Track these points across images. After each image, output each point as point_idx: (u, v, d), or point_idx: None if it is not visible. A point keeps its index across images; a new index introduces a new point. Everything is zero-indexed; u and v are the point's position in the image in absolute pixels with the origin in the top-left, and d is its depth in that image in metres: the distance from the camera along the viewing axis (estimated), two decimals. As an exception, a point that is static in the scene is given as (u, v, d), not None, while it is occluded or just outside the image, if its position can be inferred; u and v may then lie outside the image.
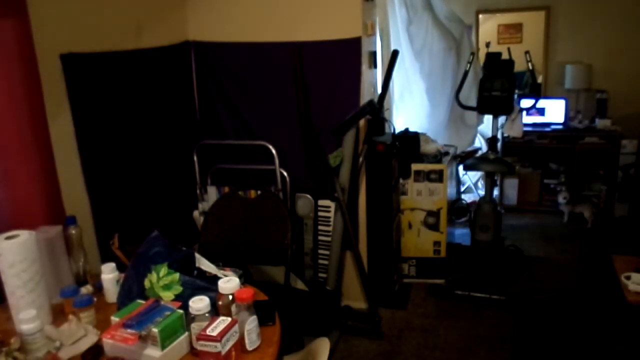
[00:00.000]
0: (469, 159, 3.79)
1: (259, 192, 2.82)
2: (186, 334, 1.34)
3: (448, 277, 3.51)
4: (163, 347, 1.27)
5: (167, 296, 1.41)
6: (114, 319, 1.36)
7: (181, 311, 1.35)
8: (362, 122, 2.85)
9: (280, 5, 2.84)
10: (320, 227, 2.99)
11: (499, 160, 3.25)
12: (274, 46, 2.87)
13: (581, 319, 2.96)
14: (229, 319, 1.26)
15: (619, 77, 4.71)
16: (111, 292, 1.66)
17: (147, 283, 1.45)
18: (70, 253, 1.80)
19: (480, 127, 4.48)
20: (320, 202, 2.95)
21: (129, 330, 1.27)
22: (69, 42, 2.07)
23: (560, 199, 4.44)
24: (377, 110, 2.76)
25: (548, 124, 4.84)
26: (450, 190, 4.24)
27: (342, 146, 2.73)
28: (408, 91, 4.23)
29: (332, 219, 2.90)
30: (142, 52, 2.52)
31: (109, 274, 1.66)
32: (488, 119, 3.96)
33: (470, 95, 3.89)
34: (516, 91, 3.37)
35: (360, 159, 2.91)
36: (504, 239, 3.87)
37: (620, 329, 2.80)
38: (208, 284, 1.46)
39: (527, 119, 4.65)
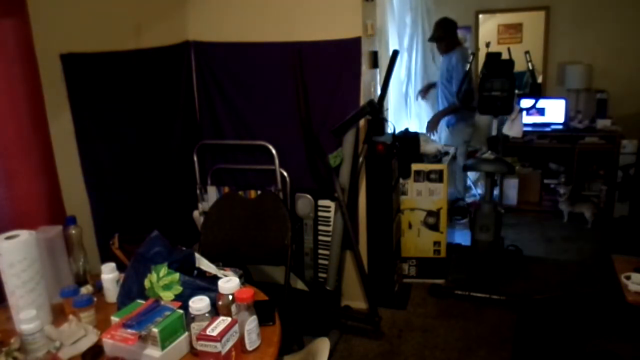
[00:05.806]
0: (469, 159, 3.79)
1: (259, 192, 2.83)
2: (186, 334, 1.34)
3: (448, 277, 3.51)
4: (163, 347, 1.27)
5: (167, 296, 1.41)
6: (114, 319, 1.36)
7: (181, 311, 1.34)
8: (362, 122, 2.85)
9: (280, 6, 2.84)
10: (320, 227, 2.99)
11: (499, 160, 3.25)
12: (273, 46, 2.87)
13: (581, 319, 2.96)
14: (229, 319, 1.26)
15: (619, 77, 4.71)
16: (111, 292, 1.66)
17: (147, 283, 1.45)
18: (70, 253, 1.80)
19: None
20: (320, 202, 2.95)
21: (129, 330, 1.27)
22: (69, 42, 2.07)
23: (560, 194, 4.44)
24: (377, 110, 2.76)
25: (548, 124, 4.84)
26: (451, 191, 4.24)
27: (342, 146, 2.73)
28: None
29: (332, 219, 2.90)
30: (142, 52, 2.52)
31: (109, 274, 1.66)
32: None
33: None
34: (516, 91, 3.37)
35: (360, 159, 2.91)
36: (504, 239, 3.87)
37: (620, 329, 2.80)
38: (208, 284, 1.46)
39: (527, 119, 4.65)
